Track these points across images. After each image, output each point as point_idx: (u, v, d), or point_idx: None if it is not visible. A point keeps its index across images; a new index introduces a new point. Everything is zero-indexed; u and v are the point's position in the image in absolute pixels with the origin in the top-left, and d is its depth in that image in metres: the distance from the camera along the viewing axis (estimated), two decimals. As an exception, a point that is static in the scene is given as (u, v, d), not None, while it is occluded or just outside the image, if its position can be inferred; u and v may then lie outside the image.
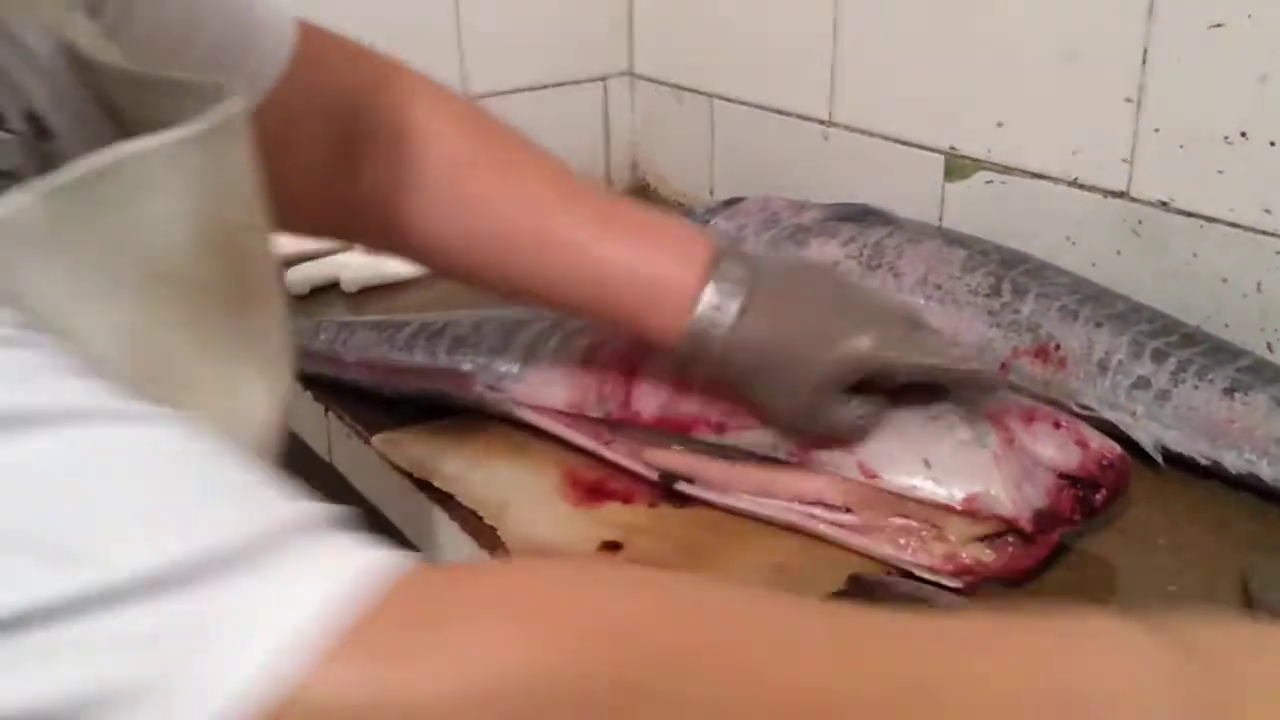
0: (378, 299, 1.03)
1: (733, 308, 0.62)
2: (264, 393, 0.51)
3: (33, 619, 0.29)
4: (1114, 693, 0.35)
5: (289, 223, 0.57)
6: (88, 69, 0.51)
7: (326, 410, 0.85)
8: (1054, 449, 0.66)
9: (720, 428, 0.69)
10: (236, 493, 0.33)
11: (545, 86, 1.26)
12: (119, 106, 0.51)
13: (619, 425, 0.73)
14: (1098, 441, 0.67)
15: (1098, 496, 0.65)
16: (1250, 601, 0.62)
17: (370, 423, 0.81)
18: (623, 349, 0.74)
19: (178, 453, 0.34)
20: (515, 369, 0.77)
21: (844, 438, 0.64)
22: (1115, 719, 0.35)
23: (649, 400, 0.72)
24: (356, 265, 1.06)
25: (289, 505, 0.33)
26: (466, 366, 0.79)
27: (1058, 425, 0.66)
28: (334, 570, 0.31)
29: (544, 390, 0.76)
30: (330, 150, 0.68)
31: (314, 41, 0.66)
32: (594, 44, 1.28)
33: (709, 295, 0.63)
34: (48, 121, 0.49)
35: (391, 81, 0.70)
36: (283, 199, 0.53)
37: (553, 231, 0.66)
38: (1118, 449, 0.67)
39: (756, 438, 0.68)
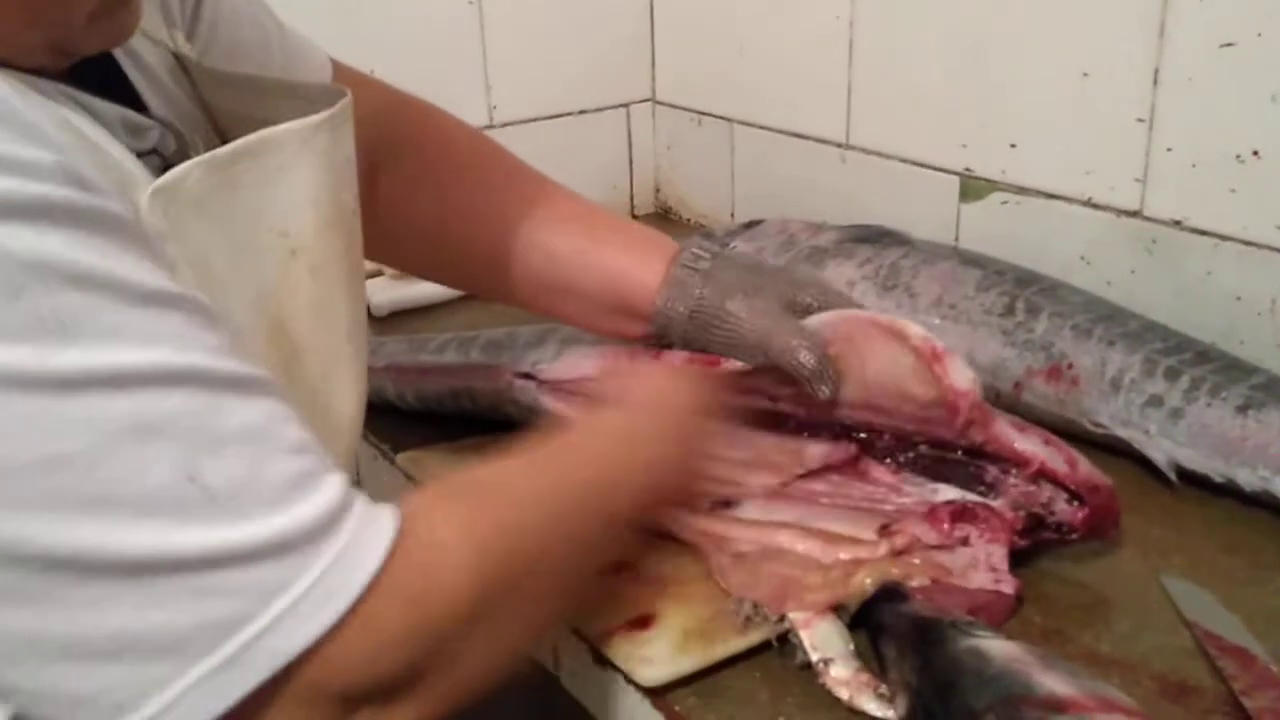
0: (407, 322, 1.06)
1: (706, 260, 0.73)
2: (356, 366, 0.59)
3: (188, 561, 0.39)
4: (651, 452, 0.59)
5: None
6: (198, 74, 0.60)
7: (353, 431, 0.87)
8: (1039, 447, 0.66)
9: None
10: (309, 472, 0.43)
11: (570, 114, 1.28)
12: (216, 107, 0.60)
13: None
14: (1087, 468, 0.66)
15: (1079, 511, 0.65)
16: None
17: (396, 442, 0.83)
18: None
19: (276, 429, 0.43)
20: (550, 356, 0.80)
21: (806, 358, 0.68)
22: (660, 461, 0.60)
23: (676, 357, 0.75)
24: (386, 289, 1.08)
25: (334, 482, 0.43)
26: (498, 360, 0.82)
27: (1047, 442, 0.67)
28: (373, 539, 0.43)
29: (576, 365, 0.78)
30: (359, 166, 0.74)
31: (344, 77, 0.75)
32: (617, 72, 1.31)
33: (686, 253, 0.74)
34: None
35: (409, 109, 0.79)
36: None
37: (547, 242, 0.75)
38: (1108, 481, 0.67)
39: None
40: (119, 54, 0.56)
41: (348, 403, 0.58)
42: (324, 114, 0.54)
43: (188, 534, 0.39)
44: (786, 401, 0.71)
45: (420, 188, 0.77)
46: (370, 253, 0.82)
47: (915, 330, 0.66)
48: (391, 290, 1.08)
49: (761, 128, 1.21)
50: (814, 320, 0.70)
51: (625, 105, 1.32)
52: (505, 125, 1.22)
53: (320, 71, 0.73)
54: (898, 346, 0.67)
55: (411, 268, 0.85)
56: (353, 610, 0.41)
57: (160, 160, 0.52)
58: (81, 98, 0.48)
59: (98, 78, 0.52)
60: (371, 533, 0.43)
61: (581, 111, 1.29)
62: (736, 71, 1.22)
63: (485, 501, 0.49)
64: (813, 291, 0.73)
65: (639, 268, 0.74)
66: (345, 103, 0.56)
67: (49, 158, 0.39)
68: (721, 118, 1.26)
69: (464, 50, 1.19)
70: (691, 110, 1.29)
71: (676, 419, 0.63)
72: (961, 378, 0.65)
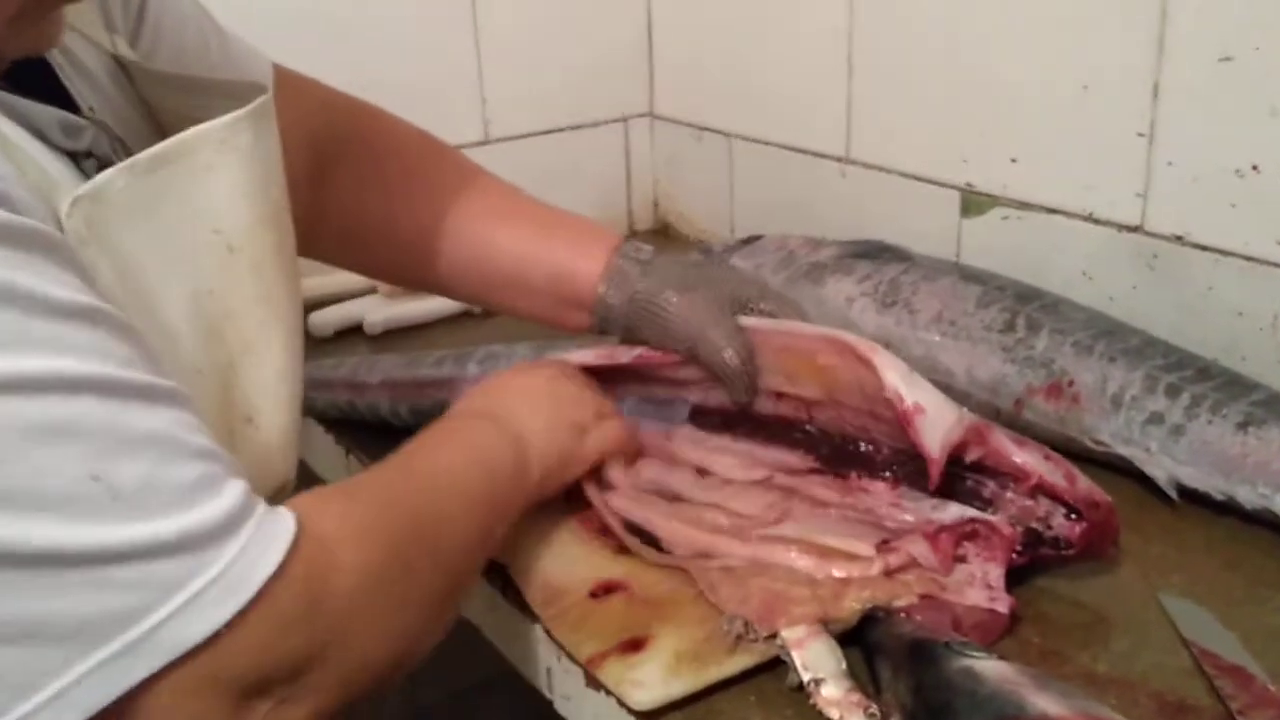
0: (400, 341, 1.06)
1: (648, 251, 0.77)
2: (297, 361, 0.61)
3: (88, 555, 0.41)
4: (498, 452, 0.64)
5: None
6: (138, 75, 0.62)
7: (347, 452, 0.87)
8: (1039, 462, 0.66)
9: None
10: (212, 476, 0.45)
11: (568, 129, 1.28)
12: (157, 107, 0.62)
13: (647, 371, 0.77)
14: (1086, 484, 0.66)
15: (1077, 525, 0.65)
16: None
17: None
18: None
19: (181, 436, 0.45)
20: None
21: (730, 358, 0.72)
22: (502, 465, 0.64)
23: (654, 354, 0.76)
24: (380, 308, 1.08)
25: (236, 487, 0.46)
26: (496, 369, 0.82)
27: (1046, 457, 0.67)
28: (273, 542, 0.46)
29: (573, 357, 0.78)
30: (305, 172, 0.77)
31: (289, 81, 0.77)
32: (615, 87, 1.31)
33: (628, 245, 0.77)
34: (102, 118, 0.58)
35: (358, 113, 0.81)
36: None
37: (492, 237, 0.78)
38: (1107, 498, 0.66)
39: None
40: (56, 56, 0.58)
41: (294, 397, 0.61)
42: (241, 111, 0.56)
43: (93, 529, 0.41)
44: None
45: (368, 188, 0.79)
46: (319, 253, 0.83)
47: (888, 380, 0.67)
48: (386, 309, 1.08)
49: (761, 142, 1.20)
50: (782, 325, 0.73)
51: (623, 120, 1.32)
52: (502, 140, 1.22)
53: (261, 76, 0.74)
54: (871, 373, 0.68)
55: (360, 267, 0.87)
56: (253, 603, 0.44)
57: (98, 162, 0.54)
58: (13, 102, 0.50)
59: (31, 80, 0.53)
60: (272, 531, 0.46)
61: (579, 126, 1.29)
62: (735, 86, 1.22)
63: (357, 497, 0.54)
64: (752, 290, 0.76)
65: (581, 258, 0.76)
66: (265, 99, 0.58)
67: None
68: (720, 132, 1.25)
69: (460, 66, 1.19)
70: (690, 125, 1.29)
71: (516, 401, 0.68)
72: (931, 439, 0.65)
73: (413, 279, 0.85)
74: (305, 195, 0.77)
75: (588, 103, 1.29)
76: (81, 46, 0.60)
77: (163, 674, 0.42)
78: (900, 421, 0.66)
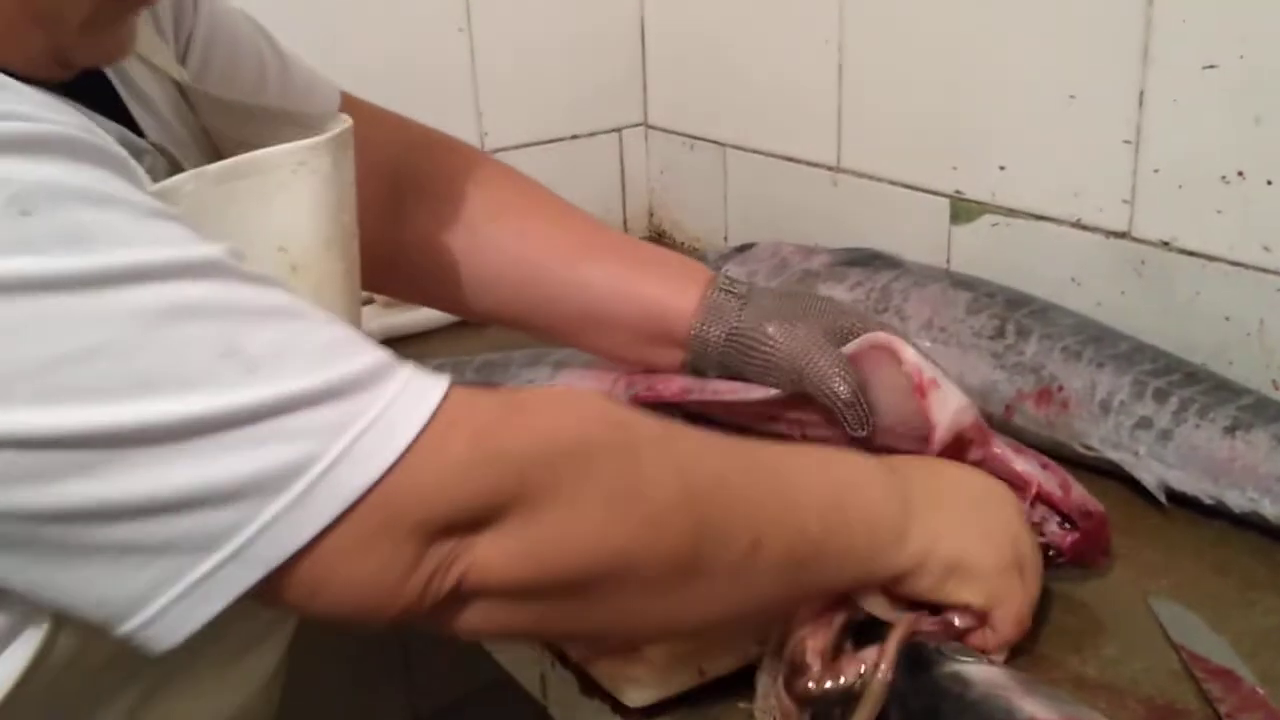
0: (398, 350, 1.05)
1: (744, 285, 0.75)
2: None
3: (240, 416, 0.41)
4: (862, 482, 0.58)
5: None
6: (200, 102, 0.62)
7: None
8: (1035, 468, 0.66)
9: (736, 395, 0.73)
10: (351, 337, 0.45)
11: (563, 139, 1.29)
12: (218, 135, 0.62)
13: (644, 404, 0.75)
14: (1081, 493, 0.67)
15: (1069, 535, 0.66)
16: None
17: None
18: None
19: (305, 307, 0.45)
20: (545, 374, 0.80)
21: (841, 388, 0.69)
22: (864, 493, 0.58)
23: (671, 384, 0.75)
24: (376, 318, 1.09)
25: (376, 351, 0.45)
26: (493, 379, 0.82)
27: (1044, 466, 0.67)
28: (429, 387, 0.45)
29: (573, 384, 0.78)
30: (378, 204, 0.75)
31: (357, 108, 0.74)
32: (610, 97, 1.32)
33: (723, 279, 0.75)
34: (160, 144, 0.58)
35: (435, 144, 0.79)
36: None
37: (582, 273, 0.75)
38: (1101, 508, 0.67)
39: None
40: (114, 82, 0.57)
41: None
42: (327, 135, 0.56)
43: (236, 394, 0.41)
44: (815, 429, 0.71)
45: (452, 226, 0.76)
46: (393, 289, 0.82)
47: (908, 355, 0.67)
48: (383, 317, 1.09)
49: (754, 151, 1.21)
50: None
51: (618, 130, 1.33)
52: (497, 151, 1.22)
53: (326, 104, 0.73)
54: (896, 369, 0.67)
55: (437, 303, 0.84)
56: (417, 441, 0.43)
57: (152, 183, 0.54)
58: (87, 112, 0.49)
59: (93, 102, 0.52)
60: (425, 381, 0.45)
61: (574, 136, 1.29)
62: (728, 96, 1.23)
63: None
64: (853, 318, 0.73)
65: (675, 295, 0.74)
66: (347, 128, 0.58)
67: (50, 117, 0.42)
68: (714, 142, 1.26)
69: (455, 76, 1.19)
70: (684, 135, 1.30)
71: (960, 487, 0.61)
72: (941, 412, 0.65)
73: (495, 316, 0.81)
74: (379, 227, 0.75)
75: (583, 114, 1.29)
76: (141, 73, 0.59)
77: (337, 523, 0.42)
78: (915, 392, 0.66)
